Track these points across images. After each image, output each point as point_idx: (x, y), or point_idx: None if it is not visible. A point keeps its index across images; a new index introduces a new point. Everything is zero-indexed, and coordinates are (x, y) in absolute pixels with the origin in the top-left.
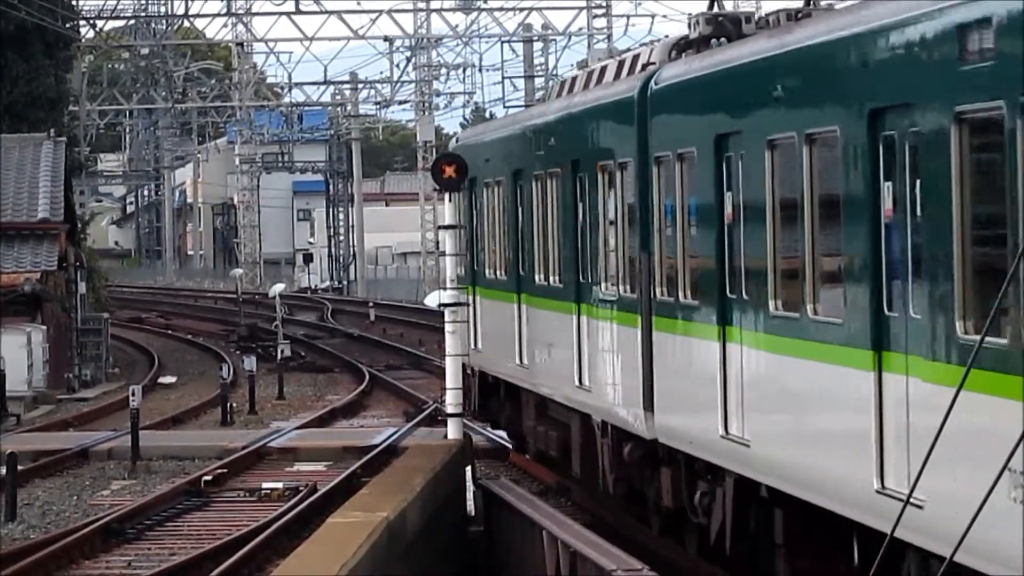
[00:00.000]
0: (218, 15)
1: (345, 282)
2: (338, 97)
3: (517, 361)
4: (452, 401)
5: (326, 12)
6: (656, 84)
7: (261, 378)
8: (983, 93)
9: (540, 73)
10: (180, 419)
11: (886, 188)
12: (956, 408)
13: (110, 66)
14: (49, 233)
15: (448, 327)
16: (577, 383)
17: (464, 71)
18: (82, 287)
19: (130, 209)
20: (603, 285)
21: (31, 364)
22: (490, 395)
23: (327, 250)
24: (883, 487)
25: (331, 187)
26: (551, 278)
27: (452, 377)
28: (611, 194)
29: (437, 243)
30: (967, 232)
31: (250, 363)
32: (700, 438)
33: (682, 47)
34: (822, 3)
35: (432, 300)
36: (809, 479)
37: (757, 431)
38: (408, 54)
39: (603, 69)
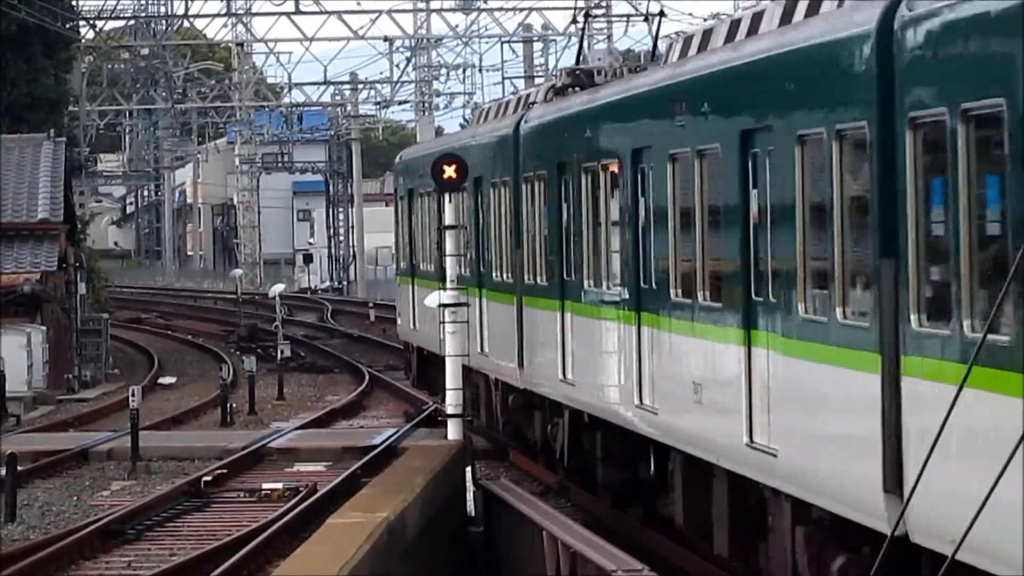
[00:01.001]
0: (218, 15)
1: (345, 282)
2: (338, 97)
3: (441, 336)
4: (452, 402)
5: (326, 12)
6: (525, 123)
7: (261, 378)
8: (684, 143)
9: (540, 73)
10: (180, 420)
11: (642, 203)
12: (672, 341)
13: (110, 67)
14: (49, 233)
15: (448, 327)
16: (480, 351)
17: (464, 71)
18: (82, 287)
19: (130, 209)
20: (494, 274)
21: (31, 365)
22: (426, 366)
23: (327, 250)
24: (641, 403)
25: (331, 187)
26: (463, 269)
27: (452, 378)
28: (498, 205)
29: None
30: (679, 238)
31: (250, 363)
32: (549, 384)
33: (556, 91)
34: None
35: (432, 301)
36: (605, 403)
37: (579, 373)
38: (408, 54)
39: (507, 103)
